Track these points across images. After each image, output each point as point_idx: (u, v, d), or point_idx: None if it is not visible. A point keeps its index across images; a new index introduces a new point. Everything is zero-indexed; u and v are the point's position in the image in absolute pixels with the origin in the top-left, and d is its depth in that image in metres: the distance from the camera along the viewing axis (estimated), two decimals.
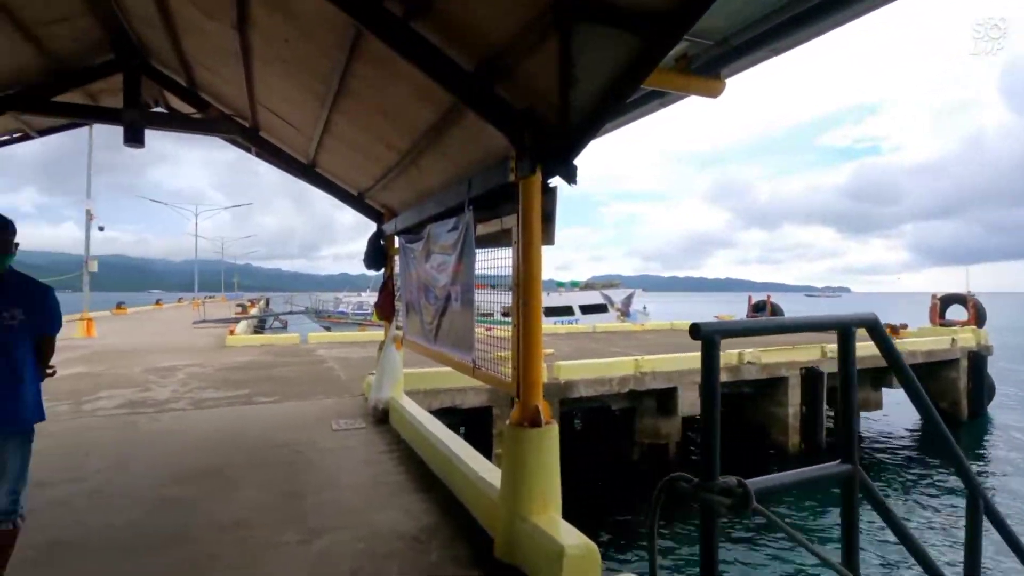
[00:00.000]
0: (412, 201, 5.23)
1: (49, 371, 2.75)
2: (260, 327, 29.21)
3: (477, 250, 3.68)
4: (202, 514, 3.50)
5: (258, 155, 7.05)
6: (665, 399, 10.25)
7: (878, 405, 13.62)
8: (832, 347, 12.01)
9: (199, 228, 41.85)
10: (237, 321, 23.32)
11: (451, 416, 8.17)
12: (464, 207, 3.75)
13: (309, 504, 3.68)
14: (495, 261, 3.64)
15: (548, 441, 2.92)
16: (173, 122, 5.75)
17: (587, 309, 32.58)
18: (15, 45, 4.54)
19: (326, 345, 14.38)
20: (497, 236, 3.63)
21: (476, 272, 3.69)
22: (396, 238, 6.38)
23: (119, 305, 33.39)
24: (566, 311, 31.77)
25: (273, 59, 4.15)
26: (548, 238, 3.05)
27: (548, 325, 21.17)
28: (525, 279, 2.97)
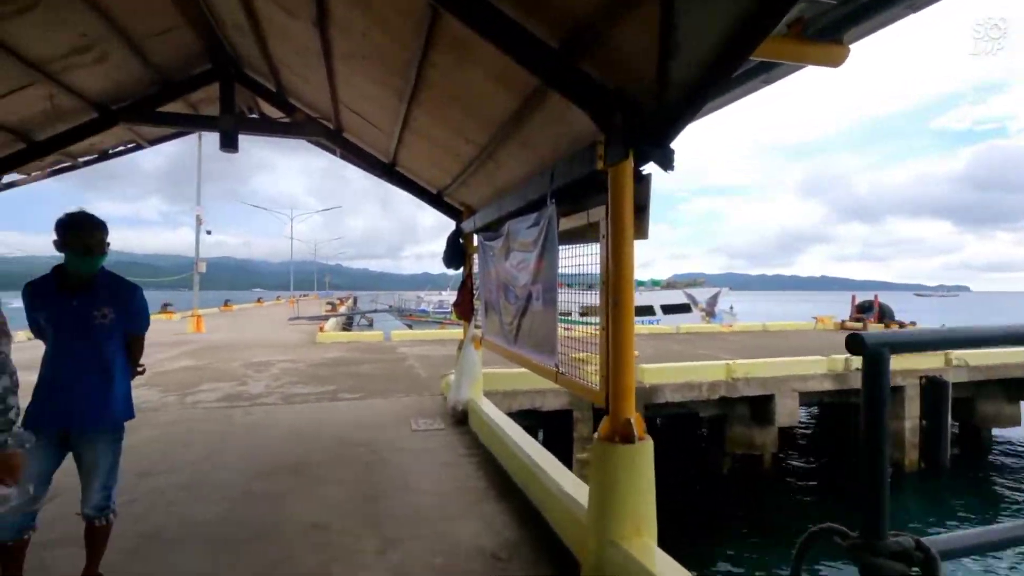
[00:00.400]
0: (490, 197, 5.06)
1: (139, 369, 2.79)
2: (348, 324, 30.68)
3: (560, 247, 3.42)
4: (284, 513, 3.50)
5: (343, 157, 7.19)
6: (760, 407, 9.47)
7: (1015, 421, 11.89)
8: (958, 354, 10.59)
9: (294, 231, 44.66)
10: (327, 319, 24.55)
11: (530, 419, 7.97)
12: (546, 200, 3.50)
13: (387, 508, 3.59)
14: (580, 258, 3.37)
15: (642, 459, 2.60)
16: (264, 127, 5.96)
17: (669, 309, 31.29)
18: (126, 59, 4.84)
19: (408, 343, 14.69)
20: (582, 231, 3.35)
21: (559, 270, 3.44)
22: (475, 236, 6.26)
23: (226, 303, 36.35)
24: (647, 311, 30.68)
25: (352, 55, 4.11)
26: (641, 231, 2.72)
27: None
28: (615, 277, 2.67)
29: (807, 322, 21.83)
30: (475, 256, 6.18)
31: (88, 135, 5.35)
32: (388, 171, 6.21)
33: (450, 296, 45.27)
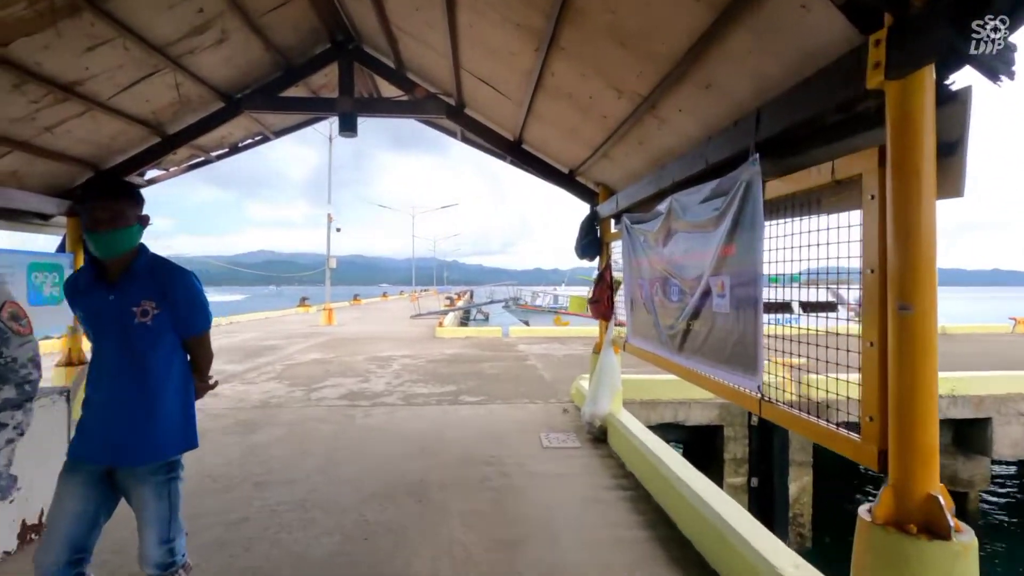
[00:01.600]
0: (641, 170, 4.12)
1: (210, 382, 2.20)
2: (465, 319, 31.15)
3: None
4: (402, 558, 2.87)
5: (464, 139, 6.63)
6: (968, 433, 7.50)
7: None
8: None
9: (416, 230, 46.56)
10: (446, 313, 24.92)
11: (670, 432, 6.89)
12: (739, 160, 2.51)
13: (526, 563, 2.83)
14: (794, 238, 2.35)
15: (963, 569, 1.54)
16: (382, 106, 5.53)
17: (810, 307, 27.82)
18: (246, 41, 4.58)
19: (527, 340, 14.11)
20: (808, 197, 2.32)
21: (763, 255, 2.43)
22: (615, 220, 5.34)
23: (355, 297, 38.72)
24: (783, 308, 27.57)
25: None
26: (953, 184, 1.65)
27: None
28: (901, 263, 1.63)
29: (1002, 324, 17.99)
30: (615, 244, 5.27)
31: (215, 125, 5.23)
32: (514, 149, 5.49)
33: (566, 291, 44.54)
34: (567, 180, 5.53)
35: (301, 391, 7.25)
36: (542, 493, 3.78)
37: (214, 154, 6.08)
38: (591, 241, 5.35)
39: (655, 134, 3.47)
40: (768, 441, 6.73)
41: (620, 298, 5.00)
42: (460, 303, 37.12)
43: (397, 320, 21.87)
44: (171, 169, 5.88)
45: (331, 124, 19.58)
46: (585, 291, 40.99)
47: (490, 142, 5.51)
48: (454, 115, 5.42)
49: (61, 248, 5.00)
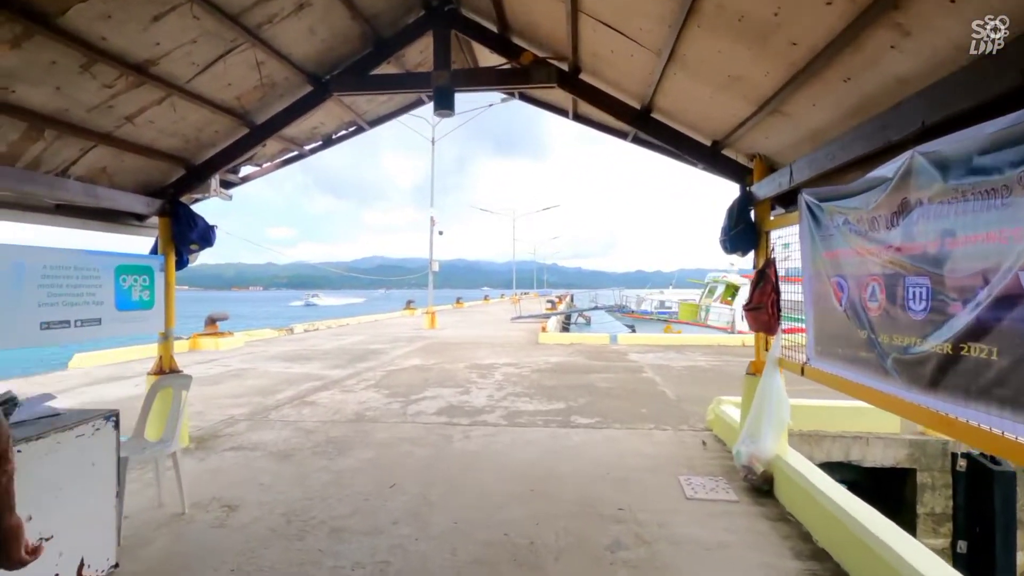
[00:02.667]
0: (835, 123, 2.92)
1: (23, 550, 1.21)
2: (566, 324, 30.15)
3: None
4: None
5: (576, 116, 5.69)
6: None
7: None
8: None
9: (517, 233, 46.39)
10: (547, 317, 24.09)
11: (839, 473, 5.42)
12: None
13: None
14: None
15: None
16: (483, 78, 4.75)
17: None
18: (330, 5, 4.01)
19: (638, 348, 12.83)
20: None
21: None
22: (778, 202, 4.13)
23: (458, 300, 39.24)
24: None
25: None
26: None
27: None
28: None
29: None
30: (776, 233, 4.06)
31: (304, 111, 4.74)
32: (640, 120, 4.45)
33: (674, 295, 42.00)
34: (709, 155, 4.39)
35: (398, 403, 6.69)
36: None
37: (307, 147, 5.66)
38: (743, 231, 4.17)
39: (883, 57, 2.29)
40: (984, 492, 5.05)
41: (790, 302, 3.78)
42: (561, 307, 36.19)
43: (498, 324, 21.41)
44: (264, 165, 5.54)
45: (433, 126, 19.58)
46: (696, 296, 38.31)
47: (612, 111, 4.51)
48: (567, 82, 4.50)
49: (154, 250, 4.76)
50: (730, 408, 5.12)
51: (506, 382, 8.17)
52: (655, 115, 4.44)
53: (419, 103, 6.06)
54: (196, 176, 4.78)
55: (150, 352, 11.44)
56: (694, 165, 5.01)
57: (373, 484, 3.94)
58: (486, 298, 52.50)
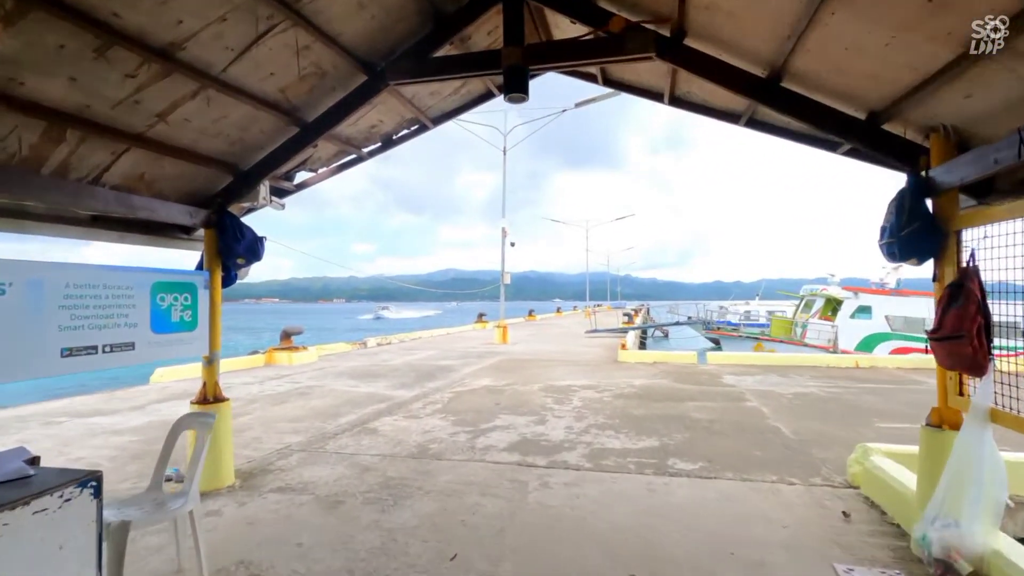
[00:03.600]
0: None
1: None
2: (643, 338, 28.57)
3: None
4: None
5: (673, 100, 4.76)
6: None
7: None
8: None
9: (589, 245, 45.22)
10: (625, 332, 22.80)
11: None
12: None
13: None
14: None
15: None
16: (562, 53, 3.94)
17: None
18: None
19: (731, 369, 11.45)
20: None
21: None
22: (969, 192, 3.03)
23: (530, 313, 38.60)
24: None
25: None
26: None
27: None
28: None
29: None
30: (968, 233, 2.95)
31: (359, 105, 4.15)
32: (765, 92, 3.47)
33: (760, 307, 39.09)
34: (862, 133, 3.33)
35: (465, 433, 5.96)
36: None
37: (366, 149, 5.11)
38: (919, 231, 3.06)
39: None
40: None
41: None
42: (638, 320, 34.57)
43: (573, 338, 20.43)
44: (320, 170, 5.04)
45: (505, 135, 19.09)
46: (788, 310, 35.39)
47: (725, 83, 3.55)
48: (668, 51, 3.61)
49: (200, 265, 4.33)
50: (888, 463, 3.94)
51: (586, 409, 7.24)
52: (786, 84, 3.44)
53: (488, 96, 5.37)
54: (244, 183, 4.32)
55: (229, 366, 11.53)
56: (831, 150, 3.95)
57: (430, 553, 3.18)
58: (558, 310, 51.49)
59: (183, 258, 4.66)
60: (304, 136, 4.22)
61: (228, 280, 4.45)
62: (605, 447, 5.42)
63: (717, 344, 29.84)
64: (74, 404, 7.86)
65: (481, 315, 28.04)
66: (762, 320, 30.72)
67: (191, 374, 10.69)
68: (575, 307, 65.84)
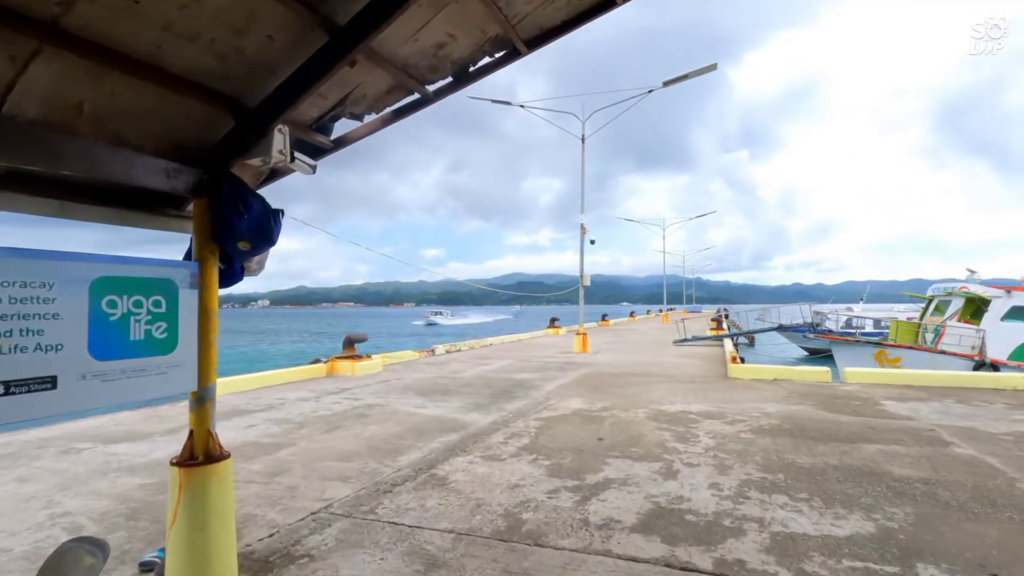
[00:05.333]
0: None
1: None
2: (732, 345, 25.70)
3: None
4: None
5: None
6: None
7: None
8: None
9: (658, 246, 42.40)
10: (719, 340, 20.34)
11: None
12: None
13: None
14: None
15: None
16: None
17: None
18: None
19: (885, 391, 9.04)
20: None
21: None
22: None
23: (603, 317, 36.47)
24: None
25: None
26: None
27: None
28: None
29: None
30: None
31: None
32: None
33: (867, 311, 34.82)
34: None
35: (568, 492, 4.25)
36: None
37: (431, 87, 3.51)
38: None
39: None
40: None
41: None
42: (730, 328, 31.52)
43: (659, 347, 18.26)
44: (367, 118, 3.50)
45: (584, 122, 17.31)
46: (901, 315, 31.16)
47: None
48: None
49: (188, 254, 2.88)
50: None
51: (724, 452, 5.33)
52: None
53: (609, 4, 3.64)
54: (252, 128, 2.83)
55: (287, 377, 10.44)
56: None
57: None
58: (632, 315, 48.84)
59: (177, 244, 3.26)
60: (335, 49, 2.67)
61: (230, 276, 2.99)
62: (790, 531, 3.53)
63: (819, 353, 26.46)
64: (109, 424, 6.86)
65: (554, 320, 26.29)
66: (868, 327, 27.02)
67: (249, 385, 9.65)
68: (648, 311, 62.72)
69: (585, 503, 4.01)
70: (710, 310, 76.92)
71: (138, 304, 2.46)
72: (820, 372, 10.35)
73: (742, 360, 12.47)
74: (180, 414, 7.45)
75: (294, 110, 2.86)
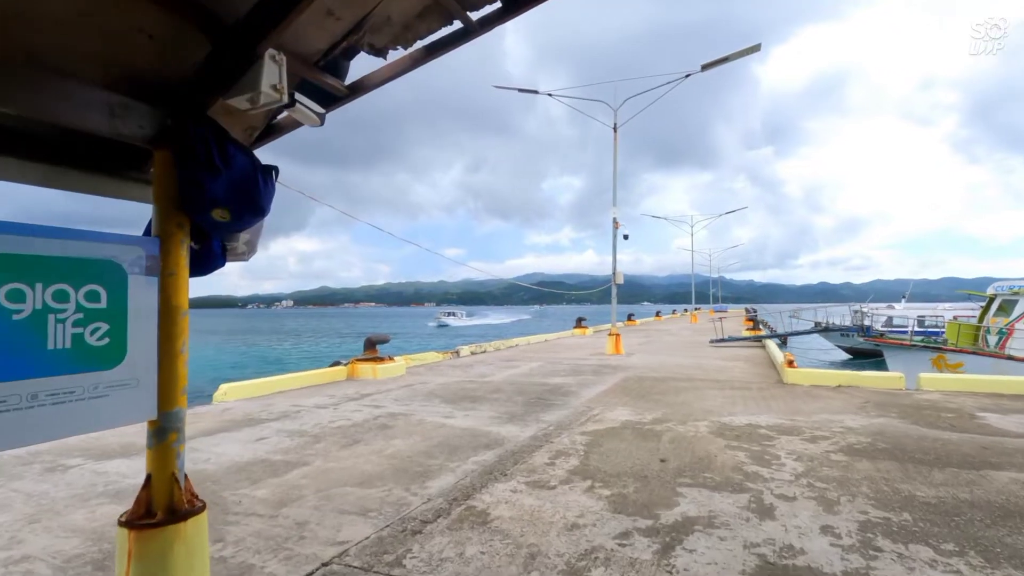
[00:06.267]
0: None
1: None
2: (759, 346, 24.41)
3: None
4: None
5: None
6: None
7: None
8: None
9: (678, 245, 41.06)
10: (759, 341, 19.21)
11: None
12: None
13: None
14: None
15: None
16: None
17: None
18: None
19: (975, 400, 7.95)
20: None
21: None
22: None
23: (629, 317, 35.41)
24: None
25: None
26: None
27: None
28: None
29: None
30: None
31: None
32: None
33: (908, 310, 33.11)
34: None
35: (643, 538, 3.38)
36: None
37: (475, 14, 2.67)
38: None
39: None
40: None
41: None
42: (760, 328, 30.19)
43: (694, 348, 17.22)
44: (390, 56, 2.66)
45: (616, 111, 16.36)
46: (947, 313, 29.43)
47: None
48: None
49: (148, 230, 2.09)
50: None
51: (820, 479, 4.40)
52: None
53: None
54: (232, 49, 2.03)
55: (305, 381, 9.74)
56: None
57: None
58: (657, 314, 47.55)
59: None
60: None
61: (207, 259, 2.19)
62: None
63: (863, 355, 25.06)
64: (108, 435, 6.18)
65: (580, 320, 25.34)
66: (912, 327, 25.47)
67: (264, 390, 8.96)
68: (674, 311, 61.26)
69: (668, 554, 3.13)
70: (736, 309, 75.06)
71: (61, 296, 1.67)
72: (892, 378, 9.26)
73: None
74: (189, 424, 6.74)
75: (291, 31, 2.05)
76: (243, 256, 2.41)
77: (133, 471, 4.85)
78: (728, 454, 5.16)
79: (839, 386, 9.34)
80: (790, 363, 9.96)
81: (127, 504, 4.00)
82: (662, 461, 4.97)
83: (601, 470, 4.71)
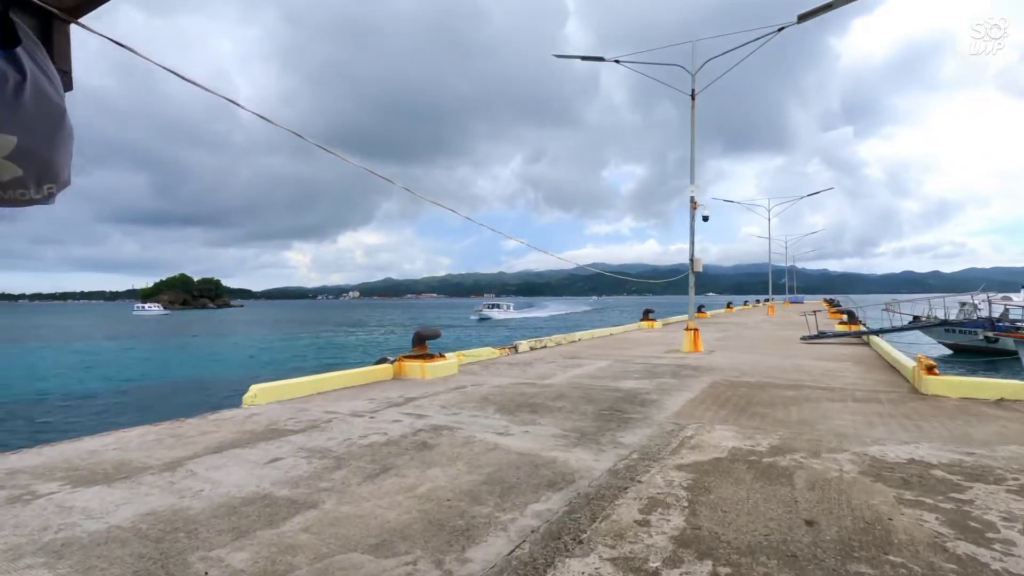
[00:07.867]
0: None
1: None
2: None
3: None
4: None
5: None
6: None
7: None
8: None
9: (748, 232, 37.81)
10: (858, 337, 16.78)
11: None
12: None
13: None
14: None
15: None
16: None
17: None
18: None
19: None
20: None
21: None
22: None
23: (700, 308, 32.99)
24: None
25: None
26: None
27: None
28: None
29: None
30: None
31: None
32: None
33: None
34: None
35: None
36: None
37: None
38: None
39: None
40: None
41: None
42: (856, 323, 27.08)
43: (784, 345, 15.10)
44: None
45: (694, 75, 14.41)
46: None
47: None
48: None
49: None
50: None
51: None
52: None
53: None
54: None
55: (345, 381, 8.70)
56: None
57: None
58: (729, 306, 44.48)
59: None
60: None
61: None
62: None
63: (968, 351, 21.80)
64: (109, 449, 5.28)
65: (648, 312, 23.45)
66: None
67: (301, 391, 7.98)
68: (745, 302, 57.50)
69: None
70: (813, 301, 69.84)
71: None
72: None
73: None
74: (199, 435, 5.78)
75: None
76: (43, 199, 1.12)
77: (103, 507, 3.80)
78: (908, 516, 3.51)
79: (1001, 399, 7.27)
80: (929, 369, 7.92)
81: (65, 567, 2.90)
82: (808, 524, 3.40)
83: (721, 539, 3.21)
